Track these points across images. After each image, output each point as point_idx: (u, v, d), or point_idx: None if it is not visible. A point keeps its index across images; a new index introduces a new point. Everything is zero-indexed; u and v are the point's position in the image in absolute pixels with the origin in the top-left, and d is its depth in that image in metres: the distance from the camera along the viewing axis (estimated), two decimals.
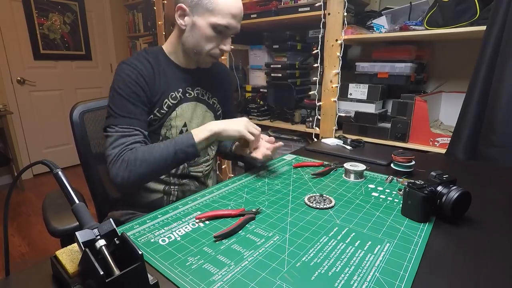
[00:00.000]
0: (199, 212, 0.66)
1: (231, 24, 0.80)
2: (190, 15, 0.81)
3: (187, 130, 0.90)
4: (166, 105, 0.86)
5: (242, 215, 0.63)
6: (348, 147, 1.10)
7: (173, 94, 0.87)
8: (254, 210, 0.65)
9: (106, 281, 0.34)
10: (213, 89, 0.98)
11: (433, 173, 0.66)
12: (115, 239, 0.41)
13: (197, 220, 0.62)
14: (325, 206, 0.68)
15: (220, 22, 0.79)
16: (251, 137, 0.81)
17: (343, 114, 1.60)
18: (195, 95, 0.92)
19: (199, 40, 0.82)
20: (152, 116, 0.85)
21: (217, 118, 1.00)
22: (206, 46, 0.82)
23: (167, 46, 0.90)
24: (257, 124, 0.85)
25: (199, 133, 0.78)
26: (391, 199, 0.72)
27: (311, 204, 0.69)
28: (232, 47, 0.85)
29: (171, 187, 0.91)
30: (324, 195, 0.73)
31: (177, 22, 0.83)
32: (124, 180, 0.74)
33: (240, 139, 0.84)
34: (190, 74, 0.91)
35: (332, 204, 0.69)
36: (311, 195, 0.74)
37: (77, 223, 0.42)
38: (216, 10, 0.78)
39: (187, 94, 0.90)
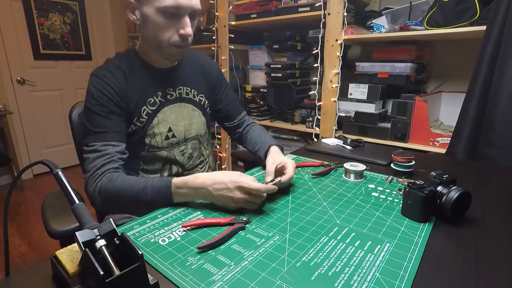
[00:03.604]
0: (198, 212, 0.66)
1: (180, 3, 0.72)
2: (138, 8, 0.75)
3: (173, 135, 0.87)
4: (145, 112, 0.82)
5: (231, 224, 0.60)
6: (348, 147, 1.10)
7: (151, 100, 0.83)
8: (244, 219, 0.62)
9: (106, 281, 0.34)
10: (198, 85, 0.93)
11: (433, 173, 0.66)
12: (115, 239, 0.41)
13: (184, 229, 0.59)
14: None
15: (166, 4, 0.71)
16: (252, 207, 0.68)
17: (343, 114, 1.60)
18: (177, 95, 0.88)
19: (154, 31, 0.76)
20: (132, 126, 0.82)
21: (206, 115, 0.97)
22: (163, 36, 0.76)
23: (139, 47, 0.85)
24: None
25: (179, 195, 0.69)
26: (391, 199, 0.72)
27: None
28: (192, 31, 0.78)
29: None
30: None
31: (130, 19, 0.79)
32: (99, 207, 0.75)
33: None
34: (168, 74, 0.87)
35: None
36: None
37: (76, 224, 0.42)
38: None
39: (168, 96, 0.86)
